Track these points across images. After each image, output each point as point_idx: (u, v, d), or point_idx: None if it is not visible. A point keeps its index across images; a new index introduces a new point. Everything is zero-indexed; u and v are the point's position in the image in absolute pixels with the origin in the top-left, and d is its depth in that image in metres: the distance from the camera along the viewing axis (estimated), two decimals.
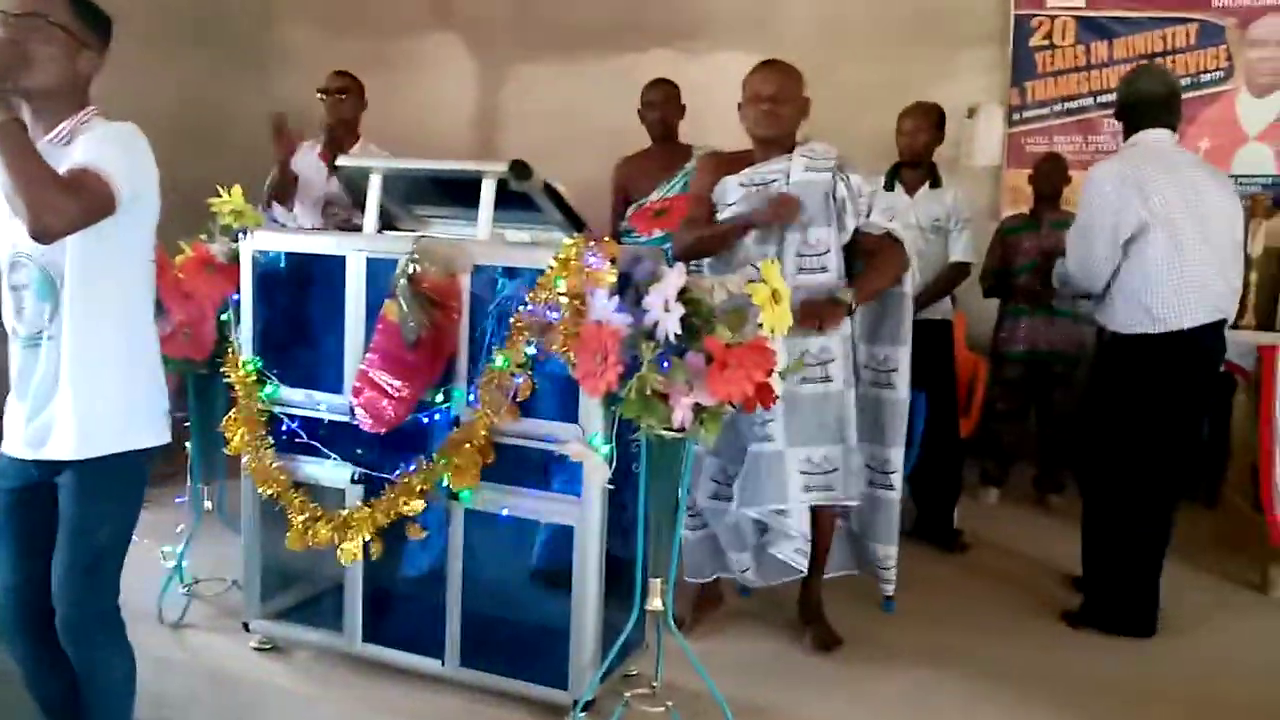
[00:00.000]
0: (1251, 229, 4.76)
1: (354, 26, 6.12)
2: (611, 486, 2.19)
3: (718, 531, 2.77)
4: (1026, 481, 4.49)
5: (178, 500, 3.06)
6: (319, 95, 3.77)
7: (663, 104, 3.74)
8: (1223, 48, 4.89)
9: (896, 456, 2.84)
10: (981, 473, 4.47)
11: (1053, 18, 5.09)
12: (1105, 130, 5.05)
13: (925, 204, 3.67)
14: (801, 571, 2.76)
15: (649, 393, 2.00)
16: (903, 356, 2.77)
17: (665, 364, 2.01)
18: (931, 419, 3.63)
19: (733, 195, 2.71)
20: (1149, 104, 2.98)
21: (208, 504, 2.92)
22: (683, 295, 2.08)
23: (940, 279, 3.67)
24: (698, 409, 2.06)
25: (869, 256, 2.72)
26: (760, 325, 2.07)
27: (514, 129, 6.00)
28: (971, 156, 5.25)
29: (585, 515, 2.20)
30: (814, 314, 2.53)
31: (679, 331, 2.00)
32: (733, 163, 2.76)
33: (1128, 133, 3.04)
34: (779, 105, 2.64)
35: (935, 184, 3.70)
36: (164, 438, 1.91)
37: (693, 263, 2.72)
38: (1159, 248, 2.85)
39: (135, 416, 1.84)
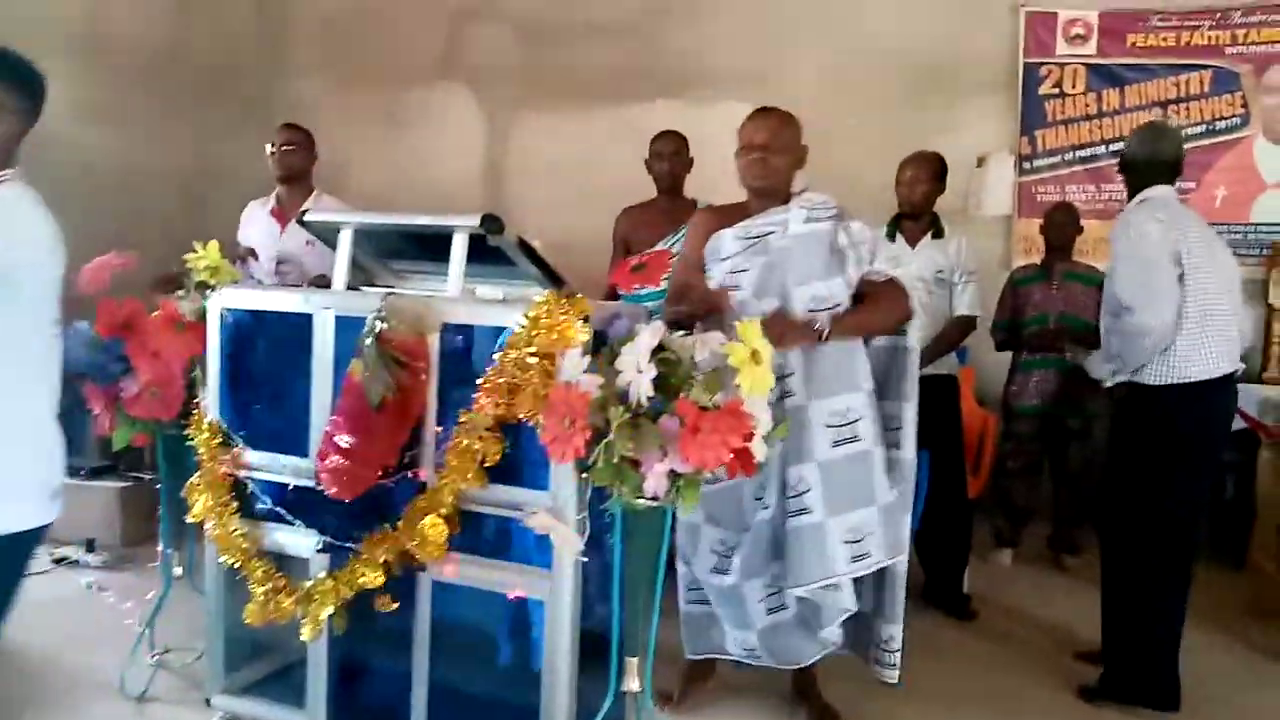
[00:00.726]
0: (1274, 278, 4.64)
1: (363, 79, 6.16)
2: (585, 558, 2.06)
3: (720, 609, 2.59)
4: (1041, 541, 4.31)
5: (151, 565, 2.96)
6: (268, 150, 3.72)
7: (671, 155, 3.67)
8: (1238, 94, 4.79)
9: (905, 525, 2.68)
10: (994, 533, 4.30)
11: (1062, 65, 5.01)
12: (1118, 179, 4.89)
13: (927, 255, 3.55)
14: (836, 645, 2.58)
15: (620, 459, 1.88)
16: (909, 414, 2.62)
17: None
18: (939, 478, 3.49)
19: (729, 249, 2.57)
20: (1166, 164, 2.93)
21: (178, 569, 2.81)
22: (660, 354, 1.97)
23: (944, 334, 3.54)
24: (674, 476, 1.94)
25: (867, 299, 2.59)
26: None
27: (522, 180, 5.97)
28: (982, 206, 5.15)
29: (557, 589, 2.07)
30: (779, 328, 2.34)
31: (650, 394, 1.89)
32: (726, 215, 2.64)
33: (1135, 189, 2.98)
34: (771, 154, 2.53)
35: (938, 235, 3.59)
36: (44, 518, 1.80)
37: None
38: (1190, 297, 2.77)
39: (10, 497, 1.74)
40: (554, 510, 2.03)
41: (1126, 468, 2.91)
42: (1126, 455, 2.92)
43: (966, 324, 3.57)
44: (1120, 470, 2.94)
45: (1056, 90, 5.02)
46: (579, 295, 2.08)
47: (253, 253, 3.50)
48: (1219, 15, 4.75)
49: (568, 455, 1.89)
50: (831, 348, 2.47)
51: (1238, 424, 3.59)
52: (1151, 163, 2.93)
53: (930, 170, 3.53)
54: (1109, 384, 2.96)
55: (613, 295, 3.55)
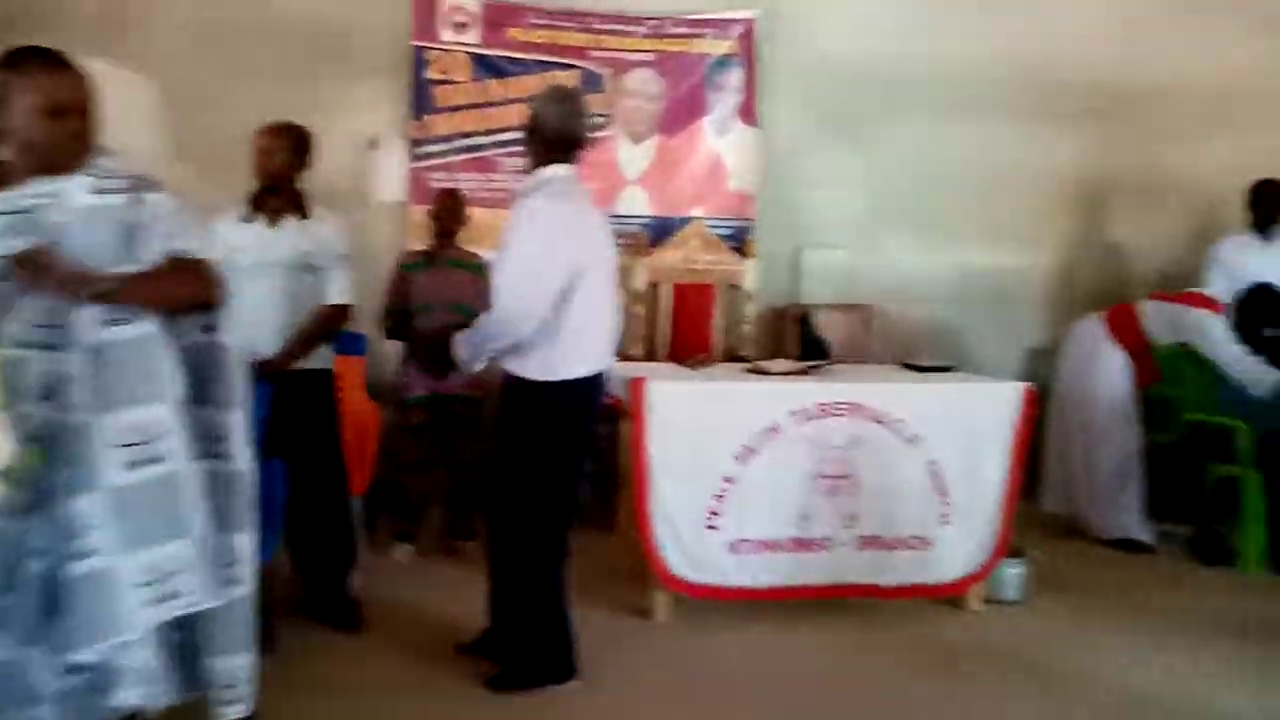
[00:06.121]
0: (636, 266, 5.15)
1: None
2: None
3: None
4: (440, 532, 4.26)
5: None
6: None
7: None
8: (603, 95, 5.19)
9: (241, 543, 2.27)
10: (392, 528, 4.15)
11: (449, 52, 5.01)
12: (504, 169, 5.08)
13: (291, 237, 3.22)
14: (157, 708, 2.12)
15: None
16: (234, 421, 2.24)
17: None
18: (314, 482, 3.20)
19: None
20: (575, 140, 2.88)
21: None
22: None
23: (313, 324, 3.23)
24: None
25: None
26: None
27: None
28: (377, 190, 4.97)
29: None
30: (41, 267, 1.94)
31: None
32: None
33: (539, 160, 2.87)
34: (68, 120, 2.02)
35: (304, 215, 3.27)
36: None
37: None
38: (585, 294, 2.78)
39: None
40: None
41: (510, 454, 2.90)
42: (510, 442, 2.91)
43: (338, 313, 3.31)
44: (505, 456, 2.93)
45: (444, 76, 5.01)
46: None
47: None
48: (582, 19, 5.12)
49: None
50: (126, 348, 2.02)
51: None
52: (562, 136, 2.84)
53: (287, 140, 3.21)
54: (473, 370, 2.91)
55: None
